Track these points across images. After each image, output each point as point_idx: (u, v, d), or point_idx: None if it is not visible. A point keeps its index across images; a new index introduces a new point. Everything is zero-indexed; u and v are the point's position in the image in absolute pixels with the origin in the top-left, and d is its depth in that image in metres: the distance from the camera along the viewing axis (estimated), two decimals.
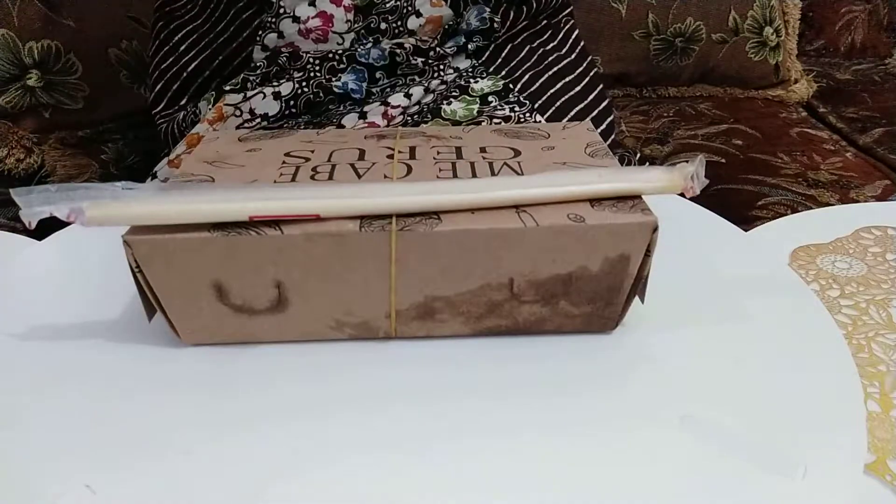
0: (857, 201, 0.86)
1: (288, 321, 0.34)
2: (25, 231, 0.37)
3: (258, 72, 0.60)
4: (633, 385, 0.33)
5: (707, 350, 0.35)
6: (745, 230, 0.46)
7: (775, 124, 1.11)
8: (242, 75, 0.60)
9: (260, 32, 0.60)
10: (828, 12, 1.36)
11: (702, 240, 0.43)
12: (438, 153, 0.37)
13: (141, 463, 0.29)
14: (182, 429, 0.30)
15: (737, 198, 0.88)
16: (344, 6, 0.61)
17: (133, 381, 0.33)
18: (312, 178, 0.35)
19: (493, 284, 0.33)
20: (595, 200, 0.32)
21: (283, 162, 0.37)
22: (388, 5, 0.61)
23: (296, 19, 0.61)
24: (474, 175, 0.35)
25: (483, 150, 0.38)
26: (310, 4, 0.60)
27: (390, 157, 0.37)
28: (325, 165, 0.36)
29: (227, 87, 0.60)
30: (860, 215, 0.53)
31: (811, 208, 0.78)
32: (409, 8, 0.62)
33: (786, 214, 0.68)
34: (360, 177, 0.35)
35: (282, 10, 0.60)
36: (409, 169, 0.35)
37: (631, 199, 0.33)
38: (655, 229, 0.31)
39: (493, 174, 0.35)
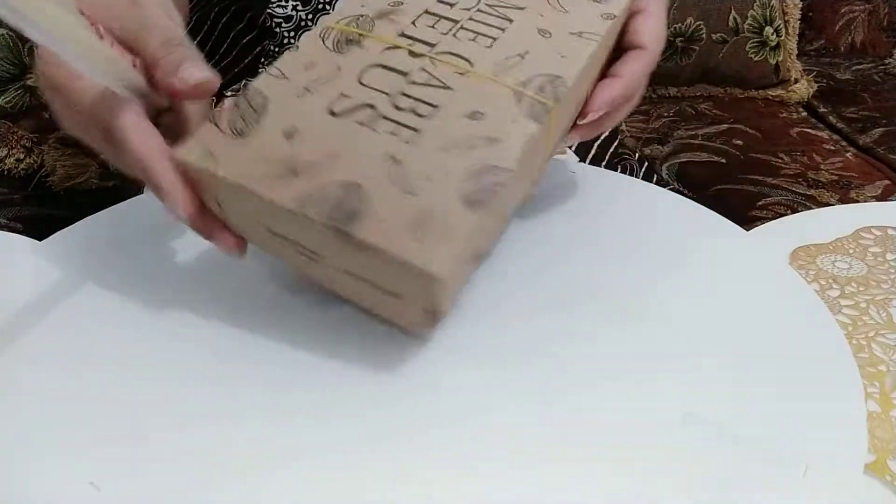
0: (857, 201, 0.86)
1: None
2: (25, 231, 0.37)
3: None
4: (634, 384, 0.33)
5: (708, 350, 0.35)
6: (745, 230, 0.45)
7: (775, 124, 1.11)
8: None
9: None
10: (828, 12, 1.36)
11: (702, 240, 0.43)
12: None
13: (145, 459, 0.29)
14: (186, 426, 0.30)
15: (737, 198, 0.88)
16: None
17: (134, 380, 0.33)
18: None
19: None
20: None
21: None
22: None
23: None
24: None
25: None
26: None
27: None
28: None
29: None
30: (860, 215, 0.53)
31: (811, 208, 0.78)
32: None
33: (786, 214, 0.68)
34: None
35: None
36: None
37: None
38: None
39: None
